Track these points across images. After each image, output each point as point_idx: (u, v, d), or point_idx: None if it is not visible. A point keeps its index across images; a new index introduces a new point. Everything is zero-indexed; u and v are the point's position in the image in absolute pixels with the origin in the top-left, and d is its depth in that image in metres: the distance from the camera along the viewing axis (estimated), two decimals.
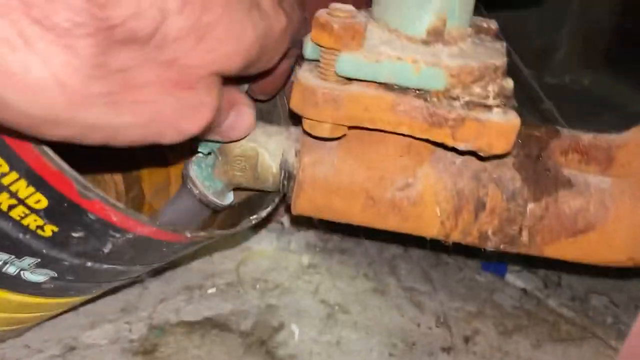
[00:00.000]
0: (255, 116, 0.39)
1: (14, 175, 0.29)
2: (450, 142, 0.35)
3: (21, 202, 0.30)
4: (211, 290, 0.61)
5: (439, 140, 0.35)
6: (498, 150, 0.35)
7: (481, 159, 0.38)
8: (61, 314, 0.51)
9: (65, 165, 0.29)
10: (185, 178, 0.43)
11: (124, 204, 0.57)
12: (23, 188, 0.29)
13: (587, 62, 1.23)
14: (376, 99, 0.34)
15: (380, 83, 0.35)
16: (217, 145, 0.42)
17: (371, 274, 0.67)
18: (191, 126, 0.30)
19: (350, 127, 0.37)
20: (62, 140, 0.26)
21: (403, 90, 0.35)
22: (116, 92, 0.25)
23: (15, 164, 0.29)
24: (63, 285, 0.37)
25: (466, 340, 0.60)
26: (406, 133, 0.36)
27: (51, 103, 0.24)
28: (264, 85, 0.44)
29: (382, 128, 0.35)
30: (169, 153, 0.58)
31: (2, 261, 0.33)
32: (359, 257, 0.69)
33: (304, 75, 0.35)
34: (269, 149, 0.41)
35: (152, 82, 0.27)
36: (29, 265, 0.34)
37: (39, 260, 0.34)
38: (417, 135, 0.36)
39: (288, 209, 0.67)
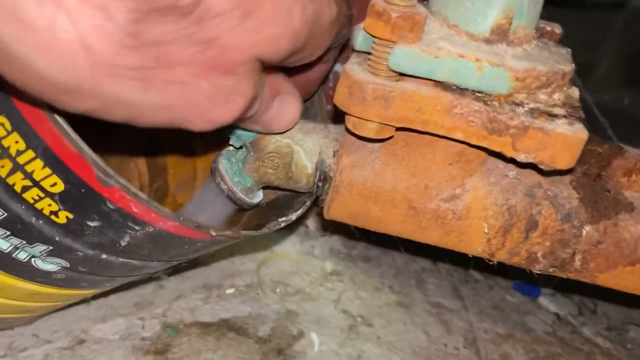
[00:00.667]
0: (301, 107, 0.36)
1: (30, 154, 0.27)
2: (509, 152, 0.32)
3: (36, 184, 0.28)
4: (229, 291, 0.58)
5: (496, 149, 0.32)
6: (561, 164, 0.32)
7: (541, 173, 0.35)
8: (72, 304, 0.49)
9: (86, 147, 0.26)
10: (213, 172, 0.40)
11: (147, 195, 0.55)
12: (39, 169, 0.27)
13: (628, 81, 1.19)
14: (432, 99, 0.31)
15: (436, 82, 0.32)
16: (250, 138, 0.39)
17: (397, 287, 0.63)
18: (221, 116, 0.27)
19: (397, 129, 0.33)
20: (83, 113, 0.24)
21: (461, 91, 0.32)
22: (147, 67, 0.23)
23: (32, 141, 0.26)
24: (75, 277, 0.35)
25: None
26: (460, 139, 0.32)
27: (75, 69, 0.21)
28: (301, 83, 0.41)
29: (435, 132, 0.32)
30: (196, 143, 0.55)
31: (13, 246, 0.31)
32: (384, 268, 0.66)
33: (352, 68, 0.32)
34: (305, 147, 0.38)
35: (186, 61, 0.24)
36: (40, 252, 0.32)
37: (51, 248, 0.31)
38: (473, 142, 0.32)
39: (317, 213, 0.64)
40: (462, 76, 0.31)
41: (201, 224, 0.32)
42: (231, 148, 0.41)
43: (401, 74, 0.32)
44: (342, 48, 0.40)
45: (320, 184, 0.38)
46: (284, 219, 0.39)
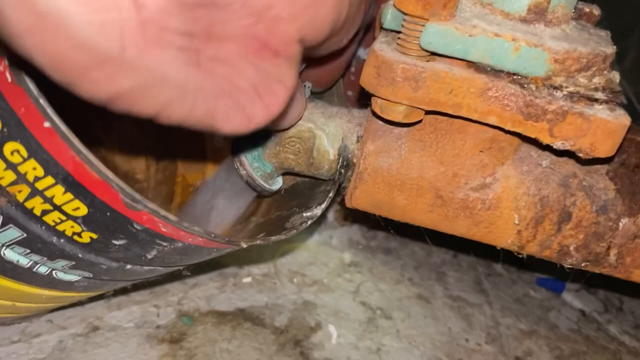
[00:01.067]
0: (304, 104, 0.34)
1: (49, 180, 0.25)
2: (545, 139, 0.30)
3: (57, 208, 0.26)
4: (246, 280, 0.57)
5: (532, 135, 0.30)
6: (601, 152, 0.30)
7: (578, 161, 0.33)
8: None
9: (111, 174, 0.25)
10: (232, 156, 0.39)
11: (154, 172, 0.53)
12: (59, 194, 0.25)
13: None
14: (465, 81, 0.29)
15: (469, 62, 0.30)
16: None
17: (417, 279, 0.62)
18: (261, 112, 0.25)
19: (426, 113, 0.32)
20: (111, 98, 0.21)
21: (496, 73, 0.30)
22: (196, 36, 0.21)
23: (51, 168, 0.25)
24: (97, 283, 0.34)
25: None
26: (494, 124, 0.30)
27: (119, 30, 0.19)
28: (323, 74, 0.39)
29: (467, 116, 0.30)
30: (209, 150, 0.54)
31: (32, 262, 0.30)
32: (404, 259, 0.64)
33: (380, 47, 0.30)
34: (327, 132, 0.37)
35: (236, 36, 0.22)
36: (62, 267, 0.30)
37: (74, 263, 0.30)
38: (507, 128, 0.30)
39: (336, 202, 0.63)
40: (498, 57, 0.29)
41: (232, 238, 0.31)
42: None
43: (432, 54, 0.30)
44: (365, 32, 0.38)
45: (342, 170, 0.37)
46: (309, 214, 0.38)
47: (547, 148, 0.32)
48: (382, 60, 0.29)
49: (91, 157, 0.24)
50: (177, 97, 0.22)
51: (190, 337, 0.49)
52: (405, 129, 0.34)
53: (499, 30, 0.29)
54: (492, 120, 0.30)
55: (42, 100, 0.23)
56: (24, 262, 0.30)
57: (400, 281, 0.61)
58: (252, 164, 0.38)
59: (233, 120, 0.24)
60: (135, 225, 0.27)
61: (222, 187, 0.41)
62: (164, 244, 0.29)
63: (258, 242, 0.33)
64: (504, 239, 0.36)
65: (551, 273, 0.66)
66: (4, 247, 0.29)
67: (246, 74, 0.23)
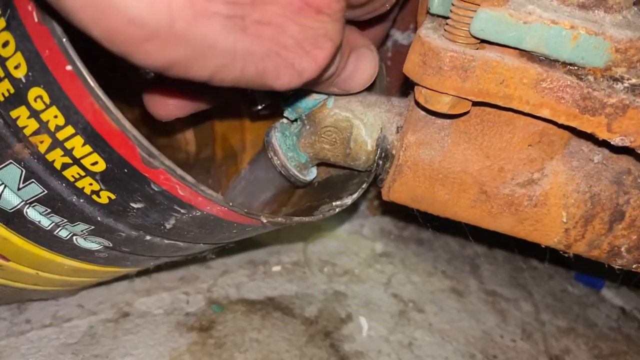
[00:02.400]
0: (378, 63, 0.33)
1: (69, 129, 0.25)
2: (602, 134, 0.28)
3: (76, 161, 0.26)
4: (276, 268, 0.56)
5: (588, 130, 0.28)
6: None
7: (637, 158, 0.31)
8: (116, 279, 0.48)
9: (128, 124, 0.24)
10: (266, 145, 0.37)
11: (193, 164, 0.53)
12: (79, 146, 0.25)
13: None
14: (517, 71, 0.27)
15: (522, 51, 0.28)
16: (306, 110, 0.36)
17: (450, 272, 0.60)
18: (309, 66, 0.25)
19: (474, 104, 0.30)
20: (164, 67, 0.22)
21: (550, 63, 0.28)
22: (240, 2, 0.21)
23: (72, 116, 0.24)
24: (118, 256, 0.33)
25: (554, 359, 0.52)
26: (547, 117, 0.29)
27: (167, 5, 0.19)
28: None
29: (518, 108, 0.28)
30: (245, 113, 0.53)
31: (54, 223, 0.29)
32: (437, 251, 0.62)
33: (427, 33, 0.29)
34: (365, 122, 0.35)
35: None
36: (81, 231, 0.30)
37: (93, 227, 0.30)
38: (561, 122, 0.28)
39: (377, 194, 0.61)
40: (554, 46, 0.27)
41: (251, 210, 0.30)
42: (285, 120, 0.38)
43: (482, 41, 0.28)
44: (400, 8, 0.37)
45: (380, 162, 0.35)
46: (338, 203, 0.36)
47: (602, 143, 0.30)
48: (428, 48, 0.28)
49: (110, 104, 0.24)
50: (227, 62, 0.22)
51: (219, 325, 0.48)
52: (448, 120, 0.32)
53: (556, 17, 0.27)
54: (545, 114, 0.28)
55: (65, 41, 0.22)
56: (46, 223, 0.30)
57: (433, 273, 0.59)
58: (287, 153, 0.37)
59: (283, 77, 0.25)
60: (153, 186, 0.26)
61: (253, 181, 0.40)
62: (182, 211, 0.28)
63: (279, 219, 0.32)
64: (550, 238, 0.34)
65: (590, 269, 0.63)
66: (27, 205, 0.28)
67: (291, 32, 0.24)
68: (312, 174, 0.39)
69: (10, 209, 0.29)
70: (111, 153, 0.25)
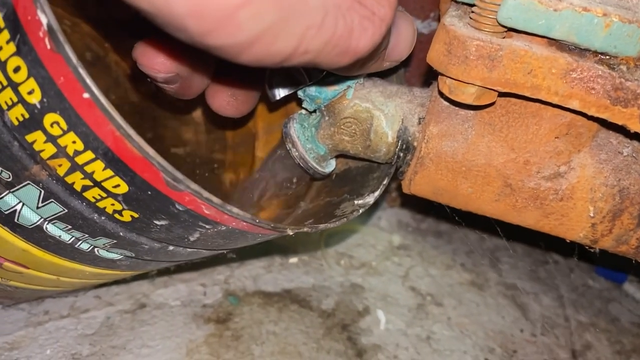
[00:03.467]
0: (415, 32, 0.31)
1: (89, 154, 0.24)
2: (635, 127, 0.27)
3: (97, 184, 0.25)
4: (292, 260, 0.56)
5: (619, 122, 0.27)
6: None
7: None
8: None
9: (151, 151, 0.23)
10: (284, 136, 0.37)
11: (205, 143, 0.52)
12: (99, 170, 0.24)
13: None
14: (546, 61, 0.26)
15: (551, 40, 0.27)
16: (326, 101, 0.35)
17: (469, 265, 0.59)
18: (366, 42, 0.23)
19: (499, 94, 0.29)
20: (251, 40, 0.20)
21: (581, 52, 0.27)
22: None
23: (91, 142, 0.23)
24: (140, 263, 0.33)
25: (575, 355, 0.51)
26: (576, 109, 0.28)
27: None
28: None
29: (546, 99, 0.28)
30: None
31: (74, 238, 0.29)
32: (456, 244, 0.62)
33: (452, 21, 0.28)
34: (386, 113, 0.34)
35: None
36: (103, 244, 0.30)
37: (115, 241, 0.29)
38: (591, 114, 0.27)
39: (395, 186, 0.60)
40: (585, 34, 0.26)
41: (277, 225, 0.29)
42: (304, 111, 0.38)
43: (509, 30, 0.27)
44: None
45: (401, 154, 0.34)
46: (360, 202, 0.36)
47: (633, 136, 0.29)
48: (453, 36, 0.27)
49: (131, 131, 0.23)
50: (317, 22, 0.21)
51: (236, 317, 0.48)
52: (472, 111, 0.32)
53: (587, 4, 0.26)
54: (574, 105, 0.27)
55: (81, 70, 0.22)
56: (66, 238, 0.29)
57: (452, 266, 0.58)
58: (305, 145, 0.36)
59: (368, 30, 0.23)
60: (177, 206, 0.26)
61: (271, 171, 0.39)
62: (207, 226, 0.28)
63: (305, 229, 0.32)
64: (576, 232, 0.33)
65: (611, 263, 0.62)
66: (47, 222, 0.28)
67: (355, 7, 0.22)
68: (330, 166, 0.38)
69: (29, 225, 0.28)
70: (134, 177, 0.24)
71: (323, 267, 0.55)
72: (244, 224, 0.28)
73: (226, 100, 0.34)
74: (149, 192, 0.25)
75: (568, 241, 0.35)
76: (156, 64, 0.29)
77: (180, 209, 0.26)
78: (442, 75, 0.29)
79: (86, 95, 0.22)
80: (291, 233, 0.30)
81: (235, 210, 0.26)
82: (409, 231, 0.62)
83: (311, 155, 0.36)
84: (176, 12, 0.18)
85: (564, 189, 0.32)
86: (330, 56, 0.22)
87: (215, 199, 0.25)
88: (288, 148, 0.36)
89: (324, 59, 0.22)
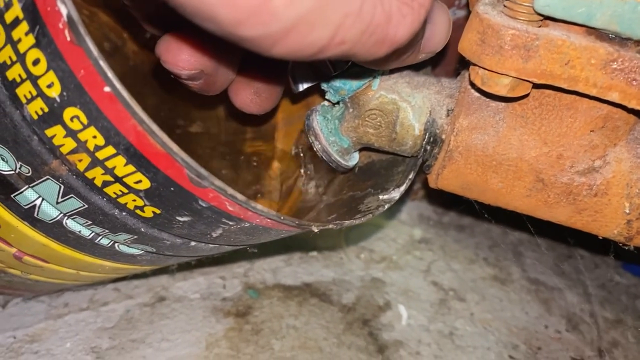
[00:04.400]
0: (451, 22, 0.30)
1: (110, 149, 0.23)
2: None
3: (118, 180, 0.24)
4: (312, 253, 0.55)
5: None
6: None
7: None
8: None
9: (175, 147, 0.23)
10: (306, 129, 0.36)
11: (224, 133, 0.51)
12: (121, 166, 0.24)
13: None
14: (585, 51, 0.25)
15: (590, 29, 0.26)
16: (350, 92, 0.34)
17: (492, 259, 0.58)
18: (405, 30, 0.22)
19: (534, 86, 0.28)
20: (287, 28, 0.19)
21: (621, 42, 0.26)
22: None
23: (112, 137, 0.23)
24: (161, 258, 0.32)
25: (601, 352, 0.50)
26: (615, 101, 0.26)
27: None
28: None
29: (583, 91, 0.26)
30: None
31: (94, 233, 0.28)
32: (479, 238, 0.60)
33: (485, 9, 0.26)
34: (413, 104, 0.33)
35: None
36: (124, 240, 0.29)
37: (136, 237, 0.29)
38: (631, 106, 0.26)
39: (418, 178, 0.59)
40: (628, 22, 0.25)
41: (302, 222, 0.28)
42: (327, 103, 0.37)
43: (546, 18, 0.26)
44: None
45: (428, 147, 0.33)
46: (385, 197, 0.35)
47: None
48: (487, 25, 0.26)
49: (154, 127, 0.22)
50: (354, 9, 0.19)
51: (256, 311, 0.47)
52: (504, 103, 0.30)
53: None
54: (614, 97, 0.26)
55: (102, 62, 0.21)
56: (86, 233, 0.29)
57: (475, 261, 0.57)
58: (328, 137, 0.35)
59: (407, 17, 0.21)
60: (201, 203, 0.25)
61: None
62: (231, 223, 0.27)
63: (330, 226, 0.31)
64: (610, 229, 0.32)
65: (638, 258, 0.61)
66: (66, 217, 0.28)
67: None
68: (354, 159, 0.37)
69: (49, 220, 0.28)
70: (156, 173, 0.24)
71: (343, 261, 0.55)
72: (268, 220, 0.27)
73: (249, 98, 0.33)
74: (172, 189, 0.24)
75: (600, 238, 0.34)
76: (180, 60, 0.28)
77: (204, 205, 0.25)
78: (475, 65, 0.27)
79: (107, 89, 0.21)
80: (316, 230, 0.30)
81: (259, 207, 0.25)
82: (430, 224, 0.61)
83: (334, 148, 0.35)
84: (210, 1, 0.17)
85: (599, 184, 0.31)
86: (367, 46, 0.21)
87: (239, 196, 0.24)
88: (310, 141, 0.35)
89: (360, 50, 0.21)
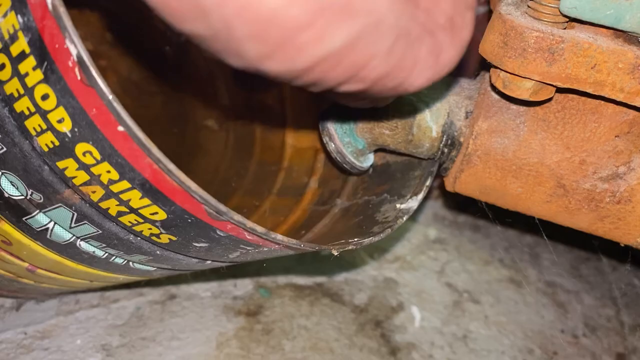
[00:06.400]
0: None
1: (124, 184, 0.23)
2: None
3: (133, 211, 0.24)
4: (324, 253, 0.54)
5: None
6: None
7: None
8: None
9: (193, 185, 0.22)
10: (320, 130, 0.35)
11: (232, 129, 0.50)
12: (136, 199, 0.23)
13: None
14: (613, 54, 0.24)
15: (619, 31, 0.25)
16: None
17: (508, 261, 0.57)
18: (421, 79, 0.20)
19: (557, 90, 0.27)
20: (316, 62, 0.18)
21: None
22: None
23: (127, 173, 0.22)
24: (175, 272, 0.32)
25: (619, 358, 0.49)
26: None
27: None
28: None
29: (609, 96, 0.25)
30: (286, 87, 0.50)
31: (108, 254, 0.28)
32: (494, 238, 0.59)
33: (508, 10, 0.25)
34: (430, 106, 0.32)
35: None
36: (139, 260, 0.29)
37: (151, 258, 0.28)
38: None
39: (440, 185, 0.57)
40: None
41: (323, 247, 0.28)
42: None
43: (571, 20, 0.25)
44: None
45: (446, 150, 0.32)
46: (403, 206, 0.34)
47: None
48: (510, 27, 0.25)
49: (171, 165, 0.21)
50: (383, 50, 0.18)
51: (267, 310, 0.47)
52: (525, 107, 0.29)
53: None
54: None
55: (115, 103, 0.20)
56: (100, 254, 0.28)
57: (490, 262, 0.56)
58: (343, 138, 0.35)
59: (430, 69, 0.20)
60: (219, 232, 0.25)
61: None
62: (249, 248, 0.27)
63: (350, 247, 0.30)
64: (633, 237, 0.31)
65: None
66: (80, 240, 0.27)
67: (443, 4, 0.20)
68: (369, 160, 0.37)
69: (62, 242, 0.28)
70: (173, 206, 0.23)
71: (356, 261, 0.54)
72: (289, 247, 0.27)
73: None
74: (189, 220, 0.24)
75: (622, 245, 0.33)
76: None
77: (222, 235, 0.24)
78: (496, 68, 0.26)
79: (121, 128, 0.21)
80: (336, 253, 0.29)
81: (279, 237, 0.25)
82: (445, 224, 0.60)
83: (349, 149, 0.35)
84: (237, 35, 0.17)
85: (622, 191, 0.29)
86: (380, 89, 0.20)
87: (259, 228, 0.24)
88: (325, 142, 0.35)
89: (372, 92, 0.20)
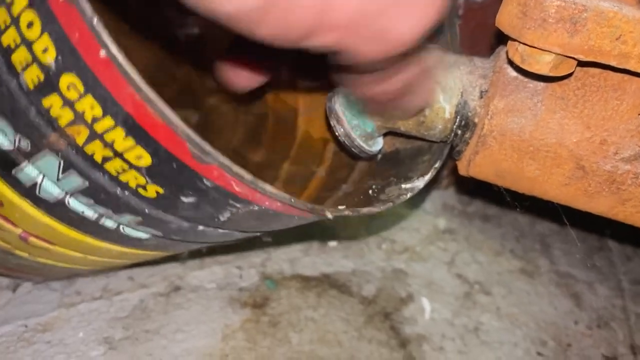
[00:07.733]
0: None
1: (108, 121, 0.22)
2: None
3: (118, 155, 0.23)
4: (332, 244, 0.53)
5: None
6: None
7: None
8: None
9: (175, 118, 0.21)
10: (328, 112, 0.34)
11: (244, 121, 0.49)
12: (120, 139, 0.22)
13: None
14: (639, 24, 0.23)
15: None
16: None
17: (519, 251, 0.56)
18: (406, 24, 0.19)
19: (578, 64, 0.25)
20: (240, 17, 0.17)
21: None
22: None
23: (110, 107, 0.21)
24: (168, 243, 0.31)
25: (635, 350, 0.48)
26: None
27: None
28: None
29: (634, 69, 0.24)
30: (299, 75, 0.49)
31: (98, 214, 0.27)
32: (505, 228, 0.58)
33: None
34: (443, 85, 0.31)
35: None
36: (128, 222, 0.28)
37: (141, 219, 0.27)
38: None
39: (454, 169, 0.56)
40: None
41: (315, 206, 0.26)
42: None
43: None
44: None
45: (459, 131, 0.31)
46: (408, 185, 0.33)
47: None
48: None
49: (152, 95, 0.20)
50: (352, 26, 0.18)
51: (273, 302, 0.46)
52: (542, 84, 0.28)
53: None
54: None
55: (96, 23, 0.19)
56: (90, 213, 0.27)
57: (501, 252, 0.55)
58: (351, 121, 0.33)
59: (413, 13, 0.19)
60: (205, 182, 0.23)
61: None
62: (238, 205, 0.25)
63: (346, 213, 0.29)
64: None
65: None
66: (68, 195, 0.26)
67: None
68: (378, 144, 0.35)
69: (52, 200, 0.27)
70: (157, 147, 0.22)
71: (363, 251, 0.53)
72: (279, 204, 0.25)
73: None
74: (174, 165, 0.23)
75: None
76: (243, 81, 0.31)
77: (209, 185, 0.23)
78: (514, 40, 0.25)
79: (103, 53, 0.20)
80: (330, 216, 0.28)
81: (268, 187, 0.23)
82: (455, 214, 0.59)
83: (357, 132, 0.33)
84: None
85: None
86: (361, 40, 0.19)
87: (246, 175, 0.22)
88: (332, 125, 0.33)
89: (353, 44, 0.19)
